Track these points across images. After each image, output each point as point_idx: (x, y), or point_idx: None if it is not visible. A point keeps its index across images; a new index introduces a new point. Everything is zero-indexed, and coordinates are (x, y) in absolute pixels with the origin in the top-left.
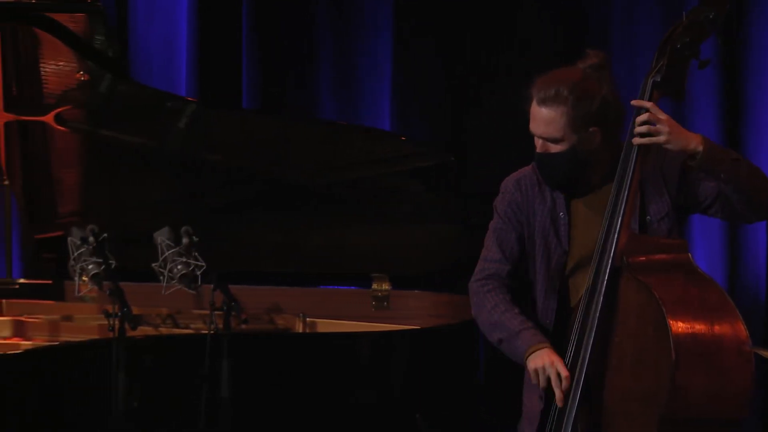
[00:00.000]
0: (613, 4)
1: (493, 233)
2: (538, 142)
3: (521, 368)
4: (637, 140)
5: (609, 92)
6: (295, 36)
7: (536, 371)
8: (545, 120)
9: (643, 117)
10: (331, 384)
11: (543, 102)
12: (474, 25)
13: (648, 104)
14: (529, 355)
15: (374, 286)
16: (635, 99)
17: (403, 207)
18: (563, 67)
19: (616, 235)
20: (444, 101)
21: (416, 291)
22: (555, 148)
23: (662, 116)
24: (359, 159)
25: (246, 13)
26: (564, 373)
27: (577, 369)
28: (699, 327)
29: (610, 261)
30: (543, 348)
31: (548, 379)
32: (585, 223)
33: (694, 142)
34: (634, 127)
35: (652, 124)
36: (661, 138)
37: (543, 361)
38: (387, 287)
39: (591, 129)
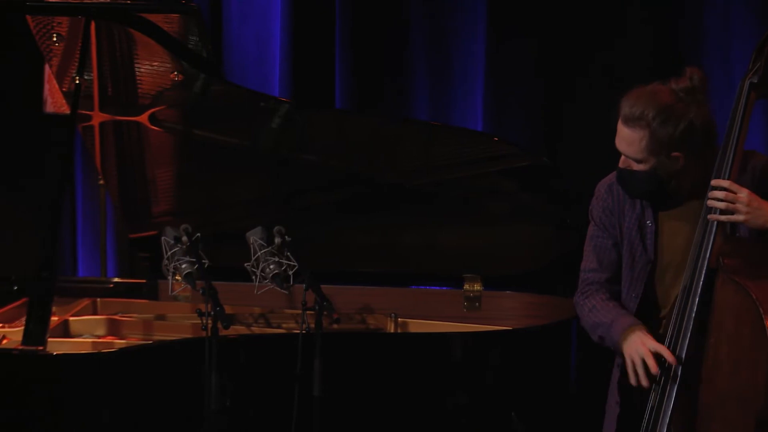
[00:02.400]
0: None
1: (591, 242)
2: (622, 156)
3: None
4: (712, 216)
5: (697, 117)
6: (388, 35)
7: (630, 356)
8: (627, 140)
9: (720, 195)
10: (422, 384)
11: (626, 121)
12: (568, 24)
13: (725, 183)
14: (623, 341)
15: (466, 286)
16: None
17: (496, 207)
18: (655, 84)
19: (712, 237)
20: (537, 101)
21: (509, 291)
22: (636, 167)
23: (741, 193)
24: (452, 159)
25: (339, 12)
26: (660, 349)
27: (672, 370)
28: None
29: (705, 262)
30: (635, 331)
31: (645, 365)
32: (672, 233)
33: None
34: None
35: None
36: (740, 217)
37: (635, 344)
38: (479, 288)
39: (673, 154)
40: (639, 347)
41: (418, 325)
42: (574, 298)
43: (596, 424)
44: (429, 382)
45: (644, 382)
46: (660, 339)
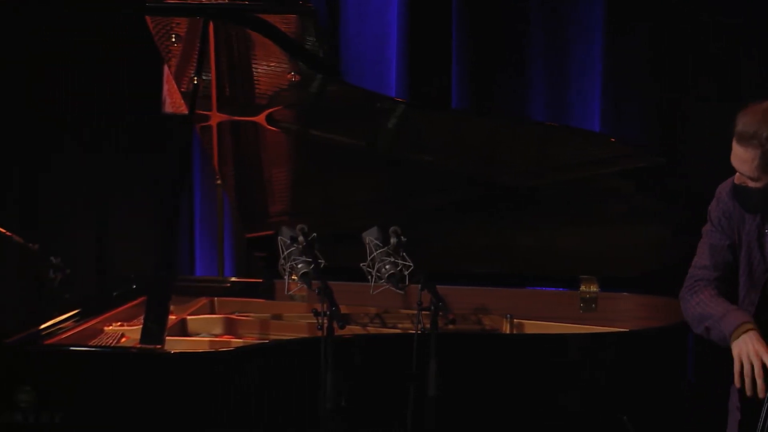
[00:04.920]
0: None
1: (706, 240)
2: (737, 173)
3: (731, 372)
4: None
5: None
6: (505, 35)
7: (739, 357)
8: (740, 158)
9: None
10: (536, 385)
11: (740, 139)
12: (686, 23)
13: None
14: (734, 338)
15: (582, 287)
16: None
17: (613, 208)
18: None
19: None
20: (656, 101)
21: (625, 293)
22: (751, 184)
23: None
24: (569, 160)
25: (456, 12)
26: None
27: None
28: None
29: None
30: (748, 331)
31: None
32: None
33: None
34: None
35: None
36: None
37: (747, 347)
38: (595, 289)
39: None
40: (751, 352)
41: (533, 326)
42: (680, 293)
43: (714, 429)
44: (544, 383)
45: (748, 392)
46: None
